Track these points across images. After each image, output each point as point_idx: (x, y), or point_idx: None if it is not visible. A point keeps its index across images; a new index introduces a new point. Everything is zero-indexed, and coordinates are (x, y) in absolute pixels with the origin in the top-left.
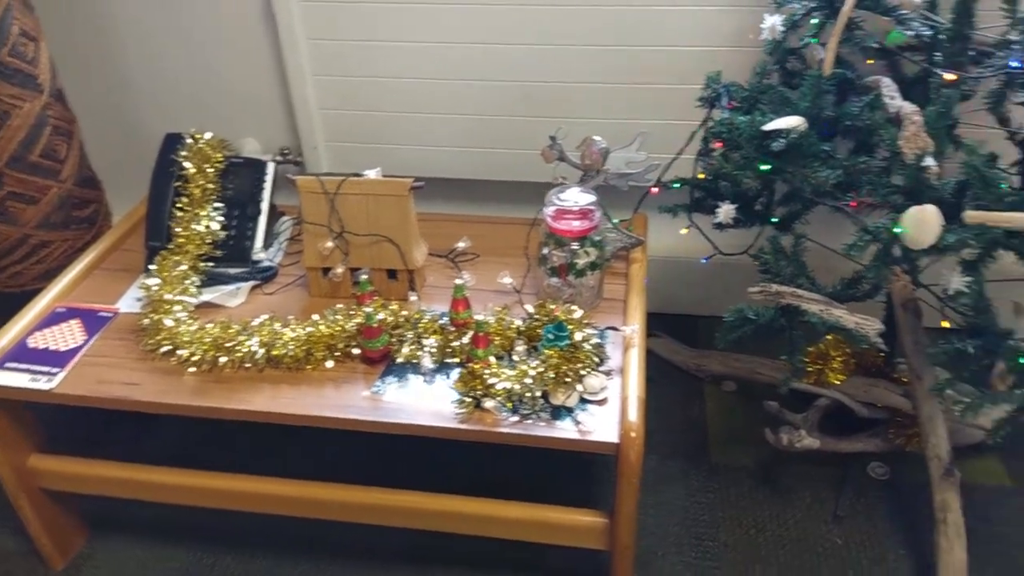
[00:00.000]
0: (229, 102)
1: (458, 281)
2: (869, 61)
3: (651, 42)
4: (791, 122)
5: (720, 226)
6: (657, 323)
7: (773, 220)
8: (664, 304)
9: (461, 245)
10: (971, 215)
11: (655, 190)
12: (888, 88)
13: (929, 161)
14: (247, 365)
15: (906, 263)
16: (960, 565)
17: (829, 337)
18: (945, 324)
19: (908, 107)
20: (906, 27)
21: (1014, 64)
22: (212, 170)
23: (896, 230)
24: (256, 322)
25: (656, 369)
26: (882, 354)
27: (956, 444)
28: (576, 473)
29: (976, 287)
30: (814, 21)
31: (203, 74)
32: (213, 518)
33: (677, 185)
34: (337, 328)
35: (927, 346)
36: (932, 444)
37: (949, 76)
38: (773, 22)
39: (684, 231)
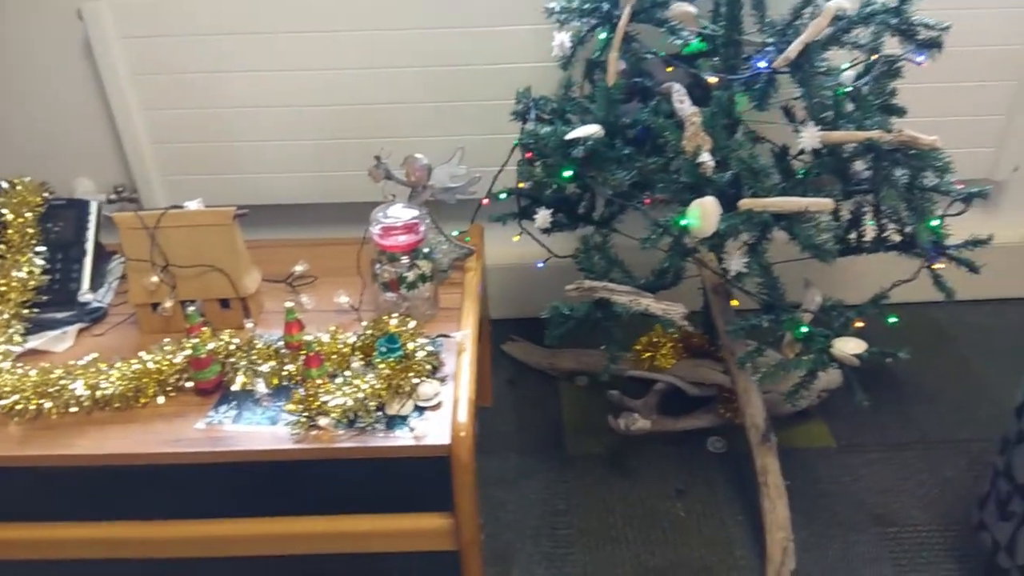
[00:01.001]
0: (59, 144)
1: (288, 304)
2: (669, 69)
3: (469, 62)
4: (589, 130)
5: (547, 231)
6: (514, 328)
7: (595, 221)
8: (517, 309)
9: (299, 269)
10: (744, 203)
11: (486, 201)
12: (678, 93)
13: (705, 157)
14: (73, 409)
15: (713, 251)
16: (783, 522)
17: (658, 326)
18: (735, 303)
19: (688, 110)
20: (676, 36)
21: (760, 65)
22: (31, 214)
23: (682, 222)
24: (80, 363)
25: (516, 372)
26: (706, 336)
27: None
28: (436, 480)
29: (755, 267)
30: (601, 36)
31: (28, 120)
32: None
33: (504, 195)
34: (165, 363)
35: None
36: (749, 414)
37: (712, 79)
38: (561, 39)
39: (516, 238)
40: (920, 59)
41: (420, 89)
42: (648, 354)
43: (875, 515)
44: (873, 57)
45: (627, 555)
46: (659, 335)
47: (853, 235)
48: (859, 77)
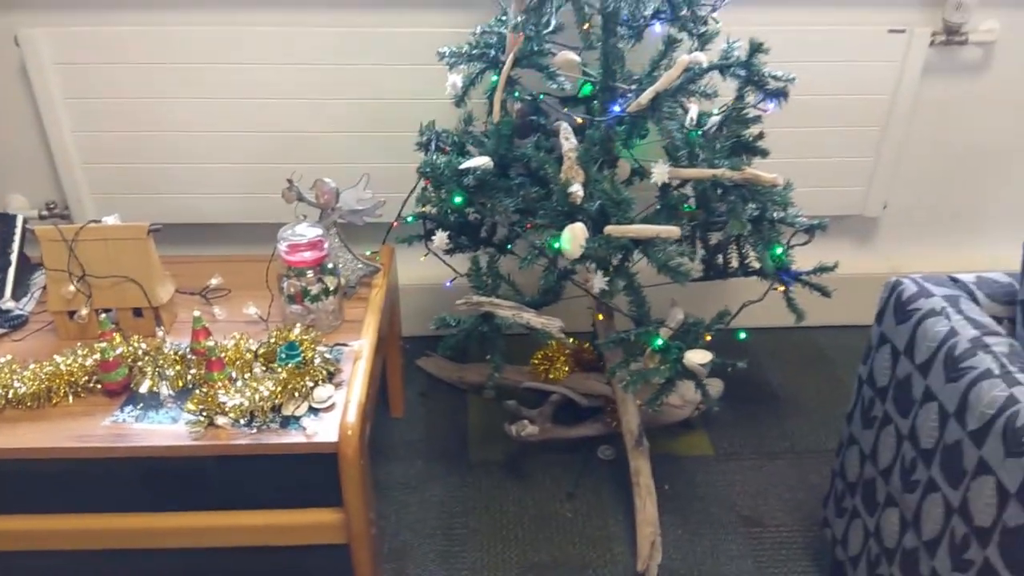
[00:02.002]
0: None
1: (196, 313)
2: (565, 109)
3: (382, 96)
4: (479, 162)
5: (449, 252)
6: (429, 345)
7: (493, 243)
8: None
9: (214, 282)
10: (607, 229)
11: (395, 223)
12: (564, 131)
13: (575, 188)
14: None
15: (601, 269)
16: (652, 519)
17: (552, 341)
18: (599, 316)
19: (567, 146)
20: (553, 81)
21: (615, 109)
22: None
23: (555, 245)
24: None
25: (428, 385)
26: (595, 350)
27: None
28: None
29: (619, 287)
30: (493, 79)
31: None
32: None
33: (411, 219)
34: (76, 365)
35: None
36: (626, 421)
37: (578, 119)
38: (454, 80)
39: (422, 259)
40: (770, 107)
41: (336, 119)
42: (543, 367)
43: (744, 516)
44: (725, 105)
45: (515, 553)
46: (554, 350)
47: (720, 260)
48: (718, 125)
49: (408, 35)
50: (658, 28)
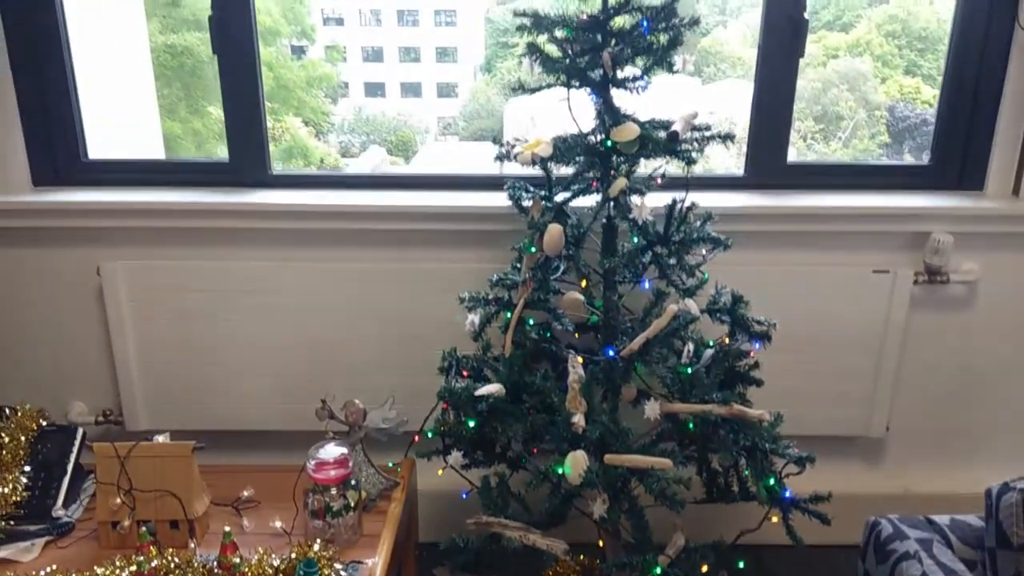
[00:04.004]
0: (63, 371)
1: (226, 528)
2: (576, 335)
3: (408, 319)
4: (492, 389)
5: (466, 467)
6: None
7: (507, 460)
8: (447, 533)
9: (245, 494)
10: (608, 458)
11: (416, 438)
12: (571, 360)
13: (576, 418)
14: None
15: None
16: None
17: (562, 560)
18: (600, 543)
19: (573, 376)
20: (559, 323)
21: (610, 353)
22: (24, 438)
23: (559, 470)
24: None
25: None
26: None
27: None
28: None
29: (615, 513)
30: (507, 316)
31: (39, 350)
32: None
33: (431, 434)
34: None
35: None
36: None
37: (579, 359)
38: (472, 318)
39: (440, 472)
40: (755, 347)
41: (367, 339)
42: None
43: None
44: (714, 343)
45: None
46: (563, 567)
47: (721, 483)
48: (713, 358)
49: (433, 269)
50: (647, 284)
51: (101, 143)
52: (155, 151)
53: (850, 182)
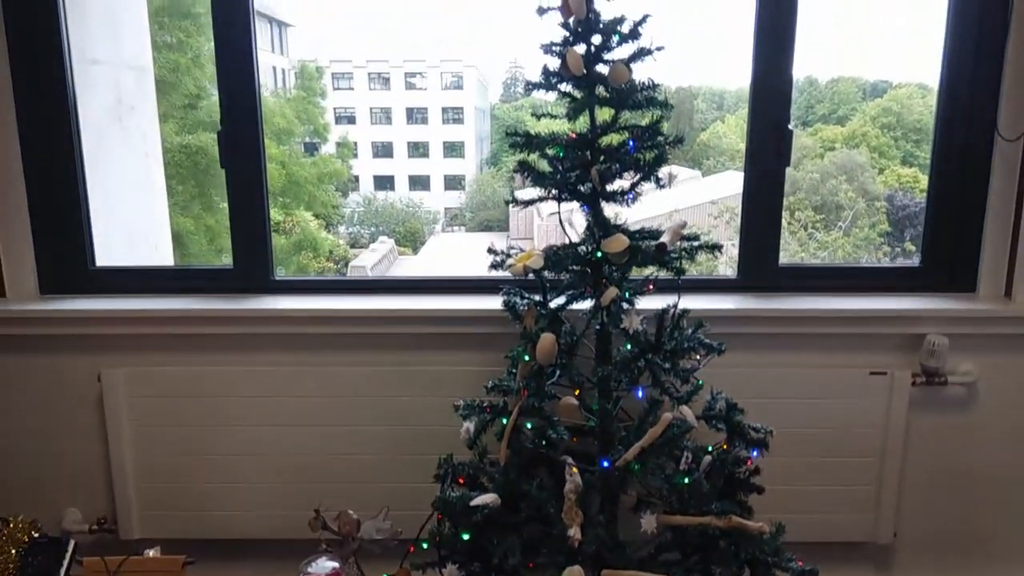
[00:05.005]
0: (59, 478)
1: None
2: (575, 440)
3: (405, 423)
4: (487, 499)
5: None
6: None
7: (505, 571)
8: None
9: None
10: (606, 573)
11: (412, 548)
12: (568, 468)
13: (572, 531)
14: None
15: None
16: None
17: None
18: None
19: (569, 485)
20: (554, 431)
21: (605, 464)
22: (15, 551)
23: None
24: None
25: None
26: None
27: None
28: None
29: None
30: (503, 422)
31: (36, 456)
32: None
33: (425, 545)
34: None
35: None
36: None
37: (574, 468)
38: (467, 426)
39: None
40: (753, 455)
41: (363, 444)
42: None
43: None
44: (712, 448)
45: None
46: None
47: None
48: (711, 464)
49: (431, 372)
50: (641, 393)
51: (110, 244)
52: (164, 246)
53: (842, 284)
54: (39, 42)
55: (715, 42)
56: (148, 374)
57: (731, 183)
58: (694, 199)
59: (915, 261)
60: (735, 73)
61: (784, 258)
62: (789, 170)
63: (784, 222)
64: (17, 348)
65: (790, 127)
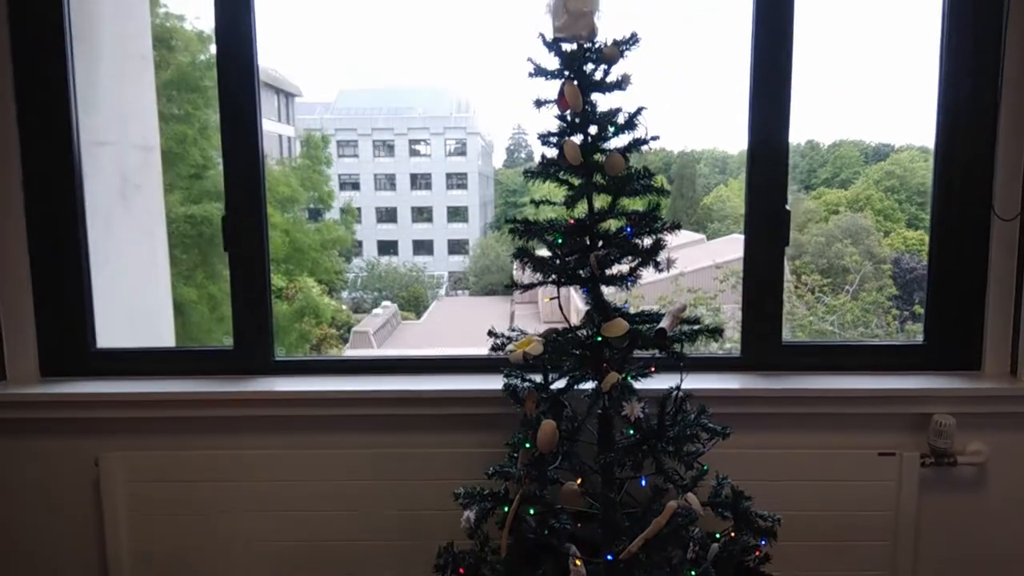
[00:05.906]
0: (53, 564)
1: None
2: (578, 525)
3: (408, 507)
4: None
5: None
6: None
7: None
8: None
9: None
10: None
11: None
12: (572, 558)
13: None
14: None
15: None
16: None
17: None
18: None
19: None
20: (557, 520)
21: (609, 557)
22: None
23: None
24: None
25: None
26: None
27: None
28: None
29: None
30: (505, 509)
31: (28, 542)
32: None
33: None
34: None
35: None
36: None
37: (577, 559)
38: (468, 515)
39: None
40: (762, 544)
41: (368, 529)
42: None
43: None
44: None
45: None
46: None
47: None
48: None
49: (433, 454)
50: (644, 482)
51: (112, 323)
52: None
53: (846, 362)
54: (50, 127)
55: (717, 106)
56: (146, 458)
57: (735, 246)
58: (699, 262)
59: (919, 339)
60: (736, 138)
61: (794, 321)
62: (795, 233)
63: (791, 287)
64: (15, 431)
65: (787, 207)
